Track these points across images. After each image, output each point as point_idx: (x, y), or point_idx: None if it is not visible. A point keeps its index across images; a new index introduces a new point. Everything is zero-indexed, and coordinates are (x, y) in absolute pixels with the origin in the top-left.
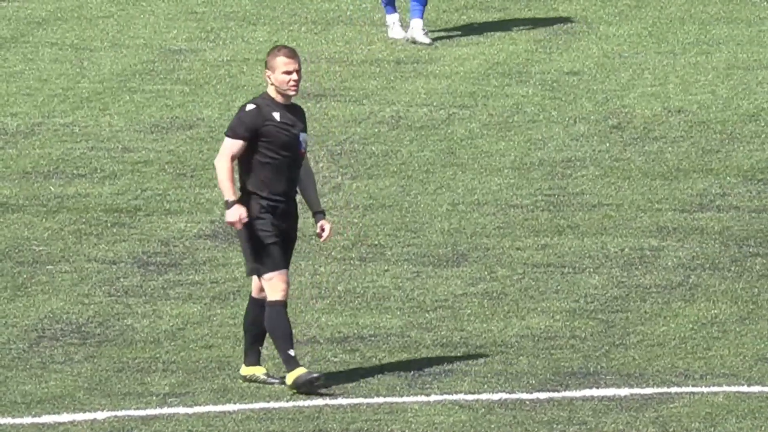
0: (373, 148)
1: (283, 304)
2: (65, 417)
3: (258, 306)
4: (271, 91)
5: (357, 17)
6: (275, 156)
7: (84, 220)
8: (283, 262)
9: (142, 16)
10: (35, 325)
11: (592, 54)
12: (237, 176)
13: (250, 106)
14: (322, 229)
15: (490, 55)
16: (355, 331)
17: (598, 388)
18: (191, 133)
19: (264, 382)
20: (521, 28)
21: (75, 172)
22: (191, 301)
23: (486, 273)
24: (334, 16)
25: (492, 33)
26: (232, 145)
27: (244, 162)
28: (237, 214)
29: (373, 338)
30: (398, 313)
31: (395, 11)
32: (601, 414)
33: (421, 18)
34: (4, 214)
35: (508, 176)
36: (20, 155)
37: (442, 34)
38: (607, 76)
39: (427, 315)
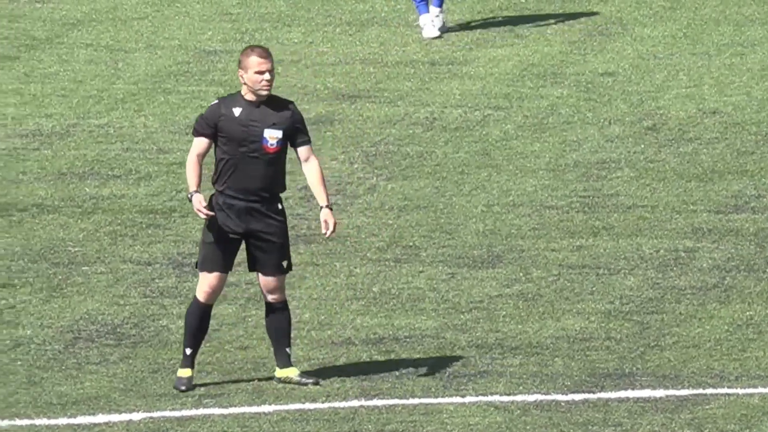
0: (407, 149)
1: (200, 305)
2: (101, 418)
3: (270, 309)
4: (244, 90)
5: (391, 18)
6: (233, 152)
7: (119, 221)
8: (217, 265)
9: (176, 17)
10: (71, 326)
11: (627, 55)
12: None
13: (213, 103)
14: (325, 223)
15: (524, 57)
16: (390, 332)
17: (633, 389)
18: None
19: (298, 383)
20: (556, 29)
21: (110, 173)
22: (226, 302)
23: (521, 274)
24: (369, 17)
25: (527, 34)
26: (196, 143)
27: (215, 158)
28: (195, 203)
29: (408, 339)
30: (433, 314)
31: (428, 11)
32: (636, 415)
33: (438, 6)
34: (39, 215)
35: (543, 178)
36: (55, 156)
37: (477, 35)
38: (641, 78)
39: (462, 316)
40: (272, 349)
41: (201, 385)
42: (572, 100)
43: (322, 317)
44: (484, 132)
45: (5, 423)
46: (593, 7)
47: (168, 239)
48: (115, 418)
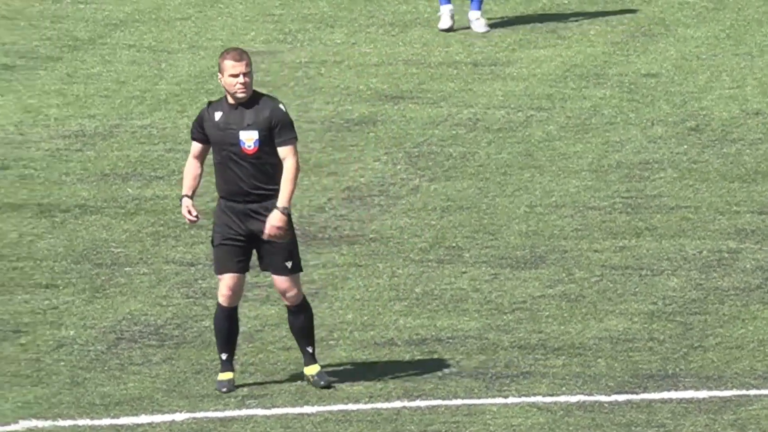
0: (450, 150)
1: (223, 309)
2: (143, 418)
3: (287, 311)
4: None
5: (434, 19)
6: (218, 156)
7: (162, 222)
8: (228, 267)
9: (219, 17)
10: (114, 327)
11: (670, 56)
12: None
13: (203, 109)
14: (267, 223)
15: (567, 57)
16: (433, 333)
17: (676, 390)
18: None
19: (309, 382)
20: (599, 30)
21: (153, 174)
22: (269, 302)
23: (564, 275)
24: (412, 18)
25: (570, 35)
26: (192, 146)
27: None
28: (183, 208)
29: (450, 340)
30: (476, 315)
31: (449, 2)
32: (679, 416)
33: (478, 9)
34: (82, 216)
35: (585, 178)
36: (98, 157)
37: (520, 36)
38: (684, 78)
39: (504, 317)
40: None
41: (244, 386)
42: (615, 101)
43: (365, 318)
44: (526, 133)
45: (48, 423)
46: (636, 7)
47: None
48: (158, 418)
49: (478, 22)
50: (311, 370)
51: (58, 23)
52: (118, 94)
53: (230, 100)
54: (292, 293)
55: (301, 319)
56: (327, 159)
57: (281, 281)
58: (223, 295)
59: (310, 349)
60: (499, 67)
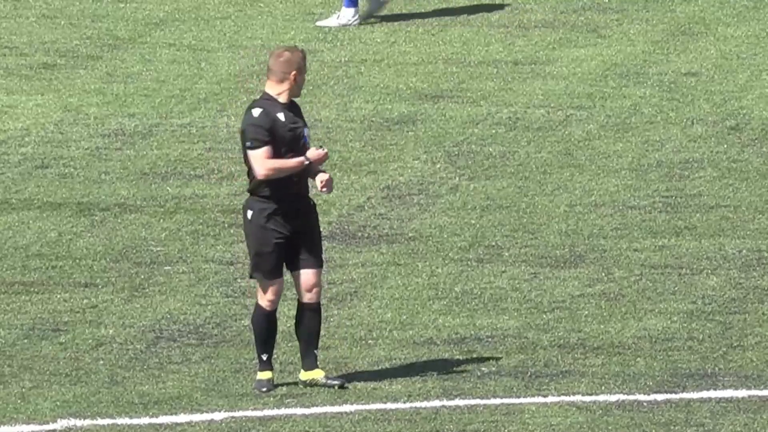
0: (490, 149)
1: (268, 312)
2: (182, 417)
3: (303, 310)
4: (276, 91)
5: (474, 18)
6: (279, 157)
7: (201, 220)
8: (280, 271)
9: (259, 17)
10: (153, 326)
11: (710, 55)
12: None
13: (258, 111)
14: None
15: (607, 56)
16: (472, 332)
17: (716, 389)
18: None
19: (324, 385)
20: (639, 29)
21: (192, 173)
22: None
23: (603, 274)
24: (451, 16)
25: (609, 34)
26: (263, 153)
27: (251, 169)
28: (315, 153)
29: (490, 339)
30: (515, 314)
31: (356, 6)
32: (719, 416)
33: (351, 7)
34: (122, 214)
35: (625, 177)
36: (138, 156)
37: (560, 35)
38: (725, 78)
39: (544, 316)
40: (300, 350)
41: (282, 385)
42: (655, 100)
43: (404, 317)
44: (566, 132)
45: (87, 422)
46: (676, 6)
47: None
48: (197, 417)
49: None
50: (316, 374)
51: (99, 22)
52: (157, 93)
53: (283, 99)
54: (318, 288)
55: (317, 318)
56: (366, 158)
57: (313, 275)
58: (270, 300)
59: (317, 352)
60: (539, 66)
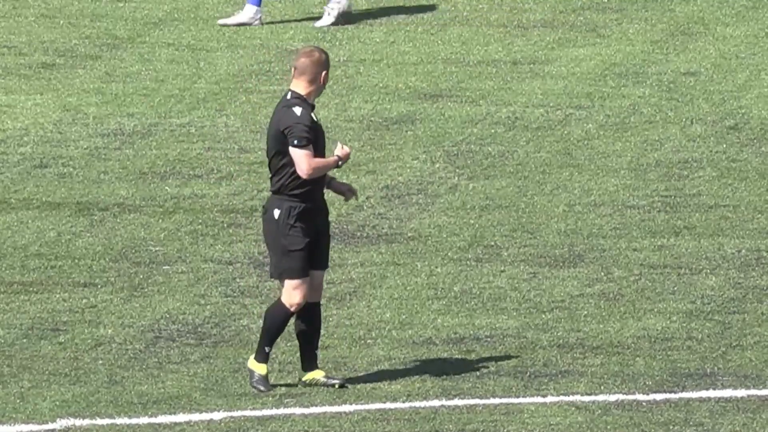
0: (489, 148)
1: (291, 313)
2: (181, 417)
3: (310, 309)
4: (306, 91)
5: (473, 18)
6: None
7: (200, 220)
8: (306, 269)
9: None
10: (152, 326)
11: (709, 55)
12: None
13: (298, 109)
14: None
15: (606, 56)
16: (472, 332)
17: (715, 389)
18: None
19: (324, 385)
20: (638, 28)
21: (191, 172)
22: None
23: (602, 274)
24: (451, 16)
25: (609, 33)
26: (309, 153)
27: (283, 168)
28: (343, 151)
29: (489, 339)
30: (514, 314)
31: (257, 5)
32: (717, 415)
33: (253, 5)
34: (120, 214)
35: (624, 177)
36: (137, 156)
37: (559, 34)
38: (724, 77)
39: (543, 316)
40: (300, 350)
41: (282, 385)
42: (654, 100)
43: (403, 317)
44: (565, 131)
45: (86, 422)
46: (675, 6)
47: (249, 239)
48: (195, 417)
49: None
50: (317, 374)
51: (97, 21)
52: (156, 92)
53: (311, 100)
54: (321, 288)
55: (318, 317)
56: (366, 157)
57: (321, 276)
58: (298, 303)
59: (318, 352)
60: (538, 66)
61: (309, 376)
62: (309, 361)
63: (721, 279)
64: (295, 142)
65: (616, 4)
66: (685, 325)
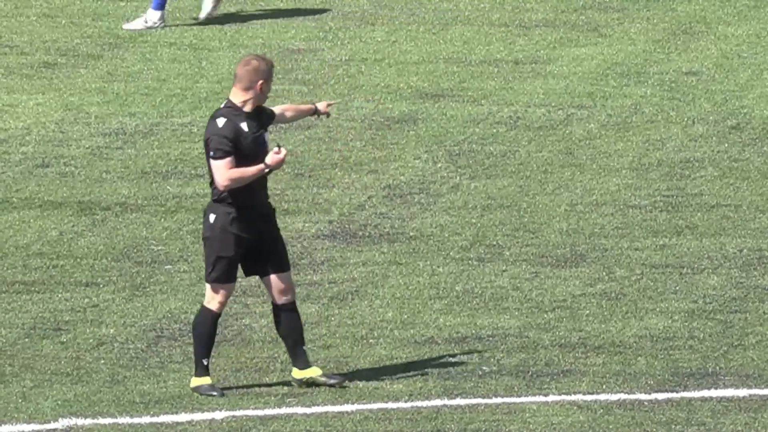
0: (491, 148)
1: (215, 315)
2: (183, 417)
3: (281, 312)
4: (240, 100)
5: (475, 17)
6: (245, 165)
7: (202, 220)
8: (234, 276)
9: (260, 16)
10: (154, 325)
11: (711, 54)
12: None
13: (223, 120)
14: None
15: (608, 56)
16: (473, 331)
17: (716, 388)
18: (309, 134)
19: (323, 384)
20: (640, 28)
21: (193, 172)
22: (309, 301)
23: (604, 273)
24: (452, 15)
25: (610, 33)
26: (226, 163)
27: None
28: (274, 159)
29: (491, 338)
30: (516, 313)
31: (161, 9)
32: (719, 415)
33: (157, 10)
34: (122, 214)
35: (626, 177)
36: (139, 155)
37: (561, 34)
38: (726, 77)
39: (545, 315)
40: (288, 351)
41: (284, 384)
42: (656, 99)
43: (405, 316)
44: (567, 131)
45: (88, 421)
46: (677, 5)
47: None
48: (197, 416)
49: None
50: (313, 372)
51: (99, 21)
52: (158, 92)
53: (247, 108)
54: (291, 288)
55: (297, 317)
56: (367, 157)
57: (285, 278)
58: (221, 303)
59: (306, 349)
60: (539, 65)
61: (303, 374)
62: (299, 360)
63: (722, 278)
64: (211, 153)
65: (618, 3)
66: (686, 324)
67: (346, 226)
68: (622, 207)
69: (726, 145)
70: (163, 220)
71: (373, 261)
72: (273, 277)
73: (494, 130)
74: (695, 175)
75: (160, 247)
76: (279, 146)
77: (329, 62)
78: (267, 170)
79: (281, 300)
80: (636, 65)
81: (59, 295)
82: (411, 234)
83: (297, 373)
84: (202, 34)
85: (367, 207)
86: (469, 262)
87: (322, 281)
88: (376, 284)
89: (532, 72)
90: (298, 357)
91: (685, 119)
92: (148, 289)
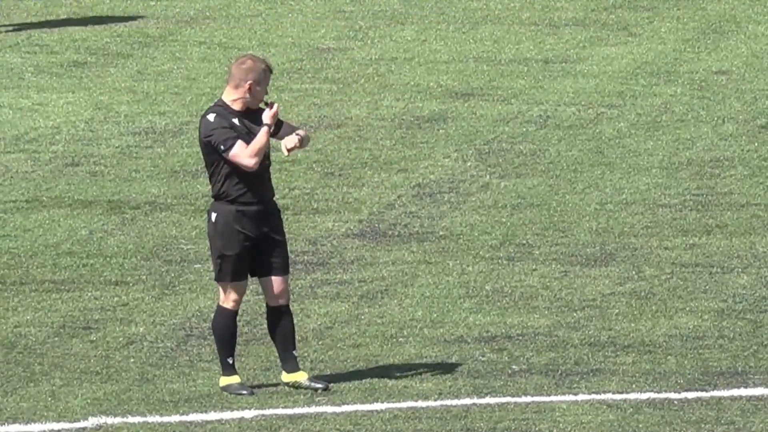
0: (521, 147)
1: (232, 313)
2: (213, 415)
3: (274, 313)
4: (230, 98)
5: (505, 16)
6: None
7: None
8: (244, 273)
9: (290, 15)
10: (183, 324)
11: (741, 53)
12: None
13: (213, 116)
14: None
15: (638, 55)
16: (503, 330)
17: (746, 387)
18: (339, 132)
19: (307, 388)
20: (670, 27)
21: None
22: (339, 299)
23: (634, 272)
24: (482, 14)
25: (640, 32)
26: (241, 147)
27: (216, 171)
28: (268, 113)
29: (520, 337)
30: (546, 312)
31: None
32: (749, 414)
33: None
34: (152, 212)
35: (656, 176)
36: (168, 154)
37: (591, 33)
38: (756, 76)
39: (574, 314)
40: (278, 354)
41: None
42: (686, 98)
43: (435, 315)
44: (597, 130)
45: (118, 420)
46: (707, 4)
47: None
48: (227, 415)
49: None
50: (299, 376)
51: (129, 20)
52: (188, 91)
53: (237, 107)
54: (287, 292)
55: (290, 319)
56: (397, 156)
57: (282, 282)
58: (235, 301)
59: (295, 353)
60: (569, 65)
61: (290, 377)
62: (287, 363)
63: (752, 278)
64: (222, 147)
65: (648, 2)
66: (716, 323)
67: (376, 225)
68: (651, 206)
69: (756, 144)
70: (192, 219)
71: (403, 260)
72: (271, 280)
73: (524, 129)
74: (725, 174)
75: (189, 246)
76: (266, 103)
77: (359, 61)
78: (271, 128)
79: (276, 303)
80: (666, 64)
81: (89, 294)
82: (440, 233)
83: (285, 377)
84: (232, 33)
85: (396, 206)
86: (499, 261)
87: (352, 280)
88: (405, 283)
89: (561, 71)
90: (288, 361)
91: (715, 118)
92: (177, 288)
